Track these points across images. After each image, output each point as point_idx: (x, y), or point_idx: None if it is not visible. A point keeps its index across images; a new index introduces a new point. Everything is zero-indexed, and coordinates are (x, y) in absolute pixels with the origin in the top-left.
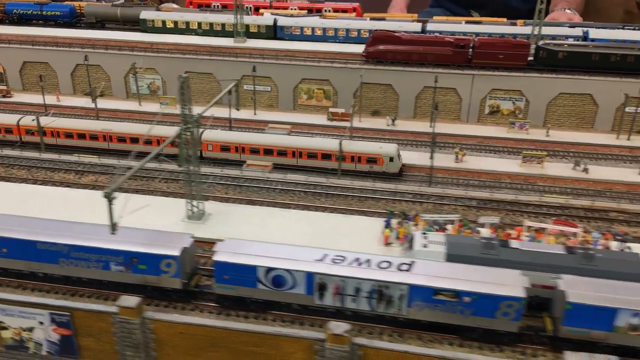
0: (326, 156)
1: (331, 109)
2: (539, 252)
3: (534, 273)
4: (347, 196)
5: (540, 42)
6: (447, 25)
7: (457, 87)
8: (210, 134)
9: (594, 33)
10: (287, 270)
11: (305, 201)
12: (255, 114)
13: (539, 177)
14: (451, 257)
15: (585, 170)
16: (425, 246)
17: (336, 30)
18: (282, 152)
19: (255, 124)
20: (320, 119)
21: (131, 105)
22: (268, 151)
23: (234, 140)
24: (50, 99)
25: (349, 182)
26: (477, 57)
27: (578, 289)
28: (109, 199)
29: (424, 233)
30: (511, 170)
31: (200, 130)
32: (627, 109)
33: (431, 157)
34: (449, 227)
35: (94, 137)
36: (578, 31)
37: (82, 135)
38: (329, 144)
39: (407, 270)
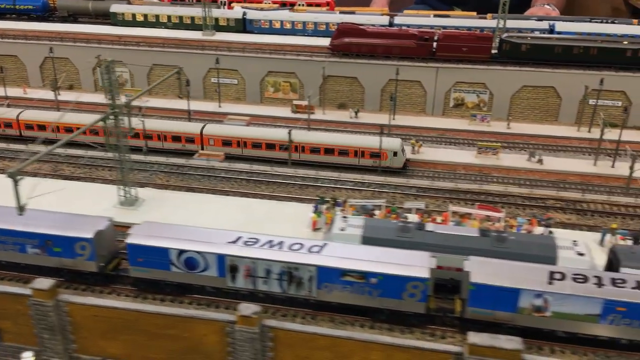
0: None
1: (295, 102)
2: (452, 234)
3: (445, 255)
4: (288, 184)
5: (504, 35)
6: (415, 18)
7: (421, 80)
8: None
9: (560, 26)
10: (199, 253)
11: (247, 189)
12: (220, 106)
13: (494, 168)
14: (367, 240)
15: (540, 161)
16: (342, 229)
17: (304, 23)
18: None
19: (219, 116)
20: (286, 112)
21: (98, 98)
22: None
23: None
24: (18, 92)
25: (292, 170)
26: (441, 50)
27: (482, 270)
28: (14, 179)
29: (345, 217)
30: (467, 161)
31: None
32: (590, 102)
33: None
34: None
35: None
36: (544, 24)
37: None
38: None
39: (317, 252)
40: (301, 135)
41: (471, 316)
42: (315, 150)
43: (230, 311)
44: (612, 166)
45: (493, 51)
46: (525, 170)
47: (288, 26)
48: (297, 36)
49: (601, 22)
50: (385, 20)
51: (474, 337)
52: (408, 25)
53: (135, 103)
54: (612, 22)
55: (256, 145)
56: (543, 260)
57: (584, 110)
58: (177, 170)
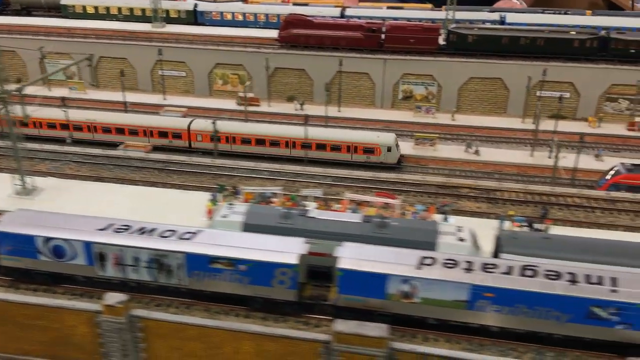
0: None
1: (240, 94)
2: (334, 220)
3: (322, 242)
4: (199, 173)
5: (451, 26)
6: (367, 10)
7: (369, 72)
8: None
9: (511, 17)
10: (65, 240)
11: (158, 179)
12: (164, 98)
13: (431, 159)
14: (248, 227)
15: (477, 152)
16: (224, 216)
17: (256, 15)
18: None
19: (154, 108)
20: (232, 104)
21: (43, 91)
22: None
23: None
24: None
25: (210, 160)
26: (389, 42)
27: (352, 256)
28: None
29: (231, 204)
30: (405, 152)
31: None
32: (538, 93)
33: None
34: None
35: None
36: (495, 15)
37: None
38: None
39: (187, 240)
40: (294, 131)
41: (343, 303)
42: (306, 145)
43: (95, 300)
44: (549, 157)
45: (441, 42)
46: (461, 161)
47: (240, 18)
48: (249, 28)
49: (554, 13)
50: (336, 11)
51: (341, 325)
52: (359, 17)
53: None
54: (565, 13)
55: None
56: (423, 245)
57: (527, 101)
58: (92, 160)
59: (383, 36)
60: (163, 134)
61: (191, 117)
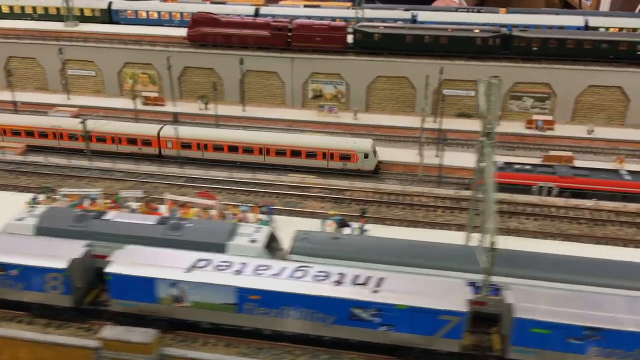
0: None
1: (144, 93)
2: (127, 223)
3: (106, 244)
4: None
5: (357, 25)
6: (282, 8)
7: (278, 71)
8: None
9: (423, 15)
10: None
11: (7, 181)
12: (68, 98)
13: None
14: (41, 230)
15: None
16: (20, 219)
17: (170, 13)
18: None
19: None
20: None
21: None
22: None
23: None
24: None
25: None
26: (296, 40)
27: (124, 259)
28: None
29: (33, 207)
30: None
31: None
32: (445, 92)
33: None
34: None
35: None
36: (407, 14)
37: None
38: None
39: None
40: (268, 137)
41: (118, 309)
42: (281, 152)
43: None
44: (436, 155)
45: (349, 41)
46: None
47: (155, 16)
48: (164, 26)
49: (467, 12)
50: (251, 10)
51: (108, 331)
52: (273, 15)
53: None
54: (479, 11)
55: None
56: (212, 248)
57: (426, 99)
58: None
59: (290, 35)
60: (131, 141)
61: (84, 117)
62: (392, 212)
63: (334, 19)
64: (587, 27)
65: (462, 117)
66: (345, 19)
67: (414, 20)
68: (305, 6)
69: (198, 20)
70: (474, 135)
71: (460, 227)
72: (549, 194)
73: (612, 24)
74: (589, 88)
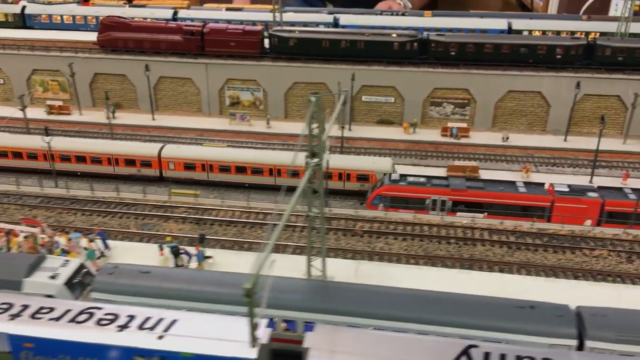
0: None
1: (48, 102)
2: None
3: None
4: None
5: (272, 29)
6: (203, 12)
7: (193, 77)
8: None
9: (345, 19)
10: None
11: None
12: None
13: None
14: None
15: None
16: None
17: (85, 17)
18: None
19: None
20: (40, 113)
21: None
22: None
23: None
24: None
25: None
26: (209, 45)
27: None
28: None
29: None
30: None
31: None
32: (364, 99)
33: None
34: None
35: None
36: (330, 17)
37: None
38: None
39: None
40: (280, 158)
41: None
42: (294, 173)
43: None
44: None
45: (266, 46)
46: None
47: (70, 21)
48: (79, 31)
49: (391, 15)
50: (169, 13)
51: None
52: (192, 19)
53: None
54: (403, 15)
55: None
56: (7, 285)
57: (354, 107)
58: None
59: (204, 39)
60: (130, 162)
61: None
62: (256, 233)
63: (254, 22)
64: (510, 31)
65: (382, 124)
66: (267, 23)
67: (336, 23)
68: (228, 9)
69: (108, 25)
70: (391, 143)
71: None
72: (442, 207)
73: (536, 27)
74: (509, 93)
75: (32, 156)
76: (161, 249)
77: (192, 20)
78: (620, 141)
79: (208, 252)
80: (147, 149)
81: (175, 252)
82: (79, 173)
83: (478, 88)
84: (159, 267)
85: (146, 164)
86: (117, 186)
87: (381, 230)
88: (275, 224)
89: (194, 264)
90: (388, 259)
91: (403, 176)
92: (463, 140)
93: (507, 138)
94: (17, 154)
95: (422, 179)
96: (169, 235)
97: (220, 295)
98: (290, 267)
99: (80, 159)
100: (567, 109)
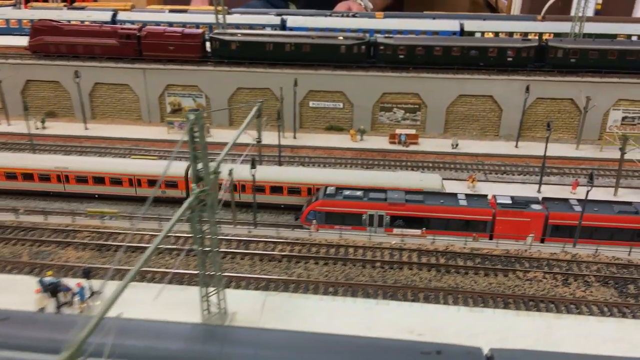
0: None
1: None
2: None
3: None
4: None
5: (213, 32)
6: (143, 14)
7: (130, 84)
8: None
9: (292, 21)
10: None
11: None
12: None
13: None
14: None
15: None
16: None
17: (20, 21)
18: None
19: None
20: None
21: None
22: None
23: None
24: None
25: None
26: (147, 49)
27: None
28: None
29: None
30: None
31: None
32: (311, 104)
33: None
34: None
35: None
36: (276, 20)
37: None
38: None
39: None
40: (316, 176)
41: None
42: (294, 191)
43: None
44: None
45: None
46: None
47: (3, 25)
48: (14, 35)
49: (342, 16)
50: (108, 16)
51: None
52: (133, 22)
53: None
54: (354, 16)
55: None
56: None
57: (302, 113)
58: None
59: (140, 43)
60: (153, 183)
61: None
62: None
63: (198, 25)
64: (462, 33)
65: (332, 130)
66: (212, 25)
67: (283, 26)
68: (171, 11)
69: (39, 29)
70: (337, 152)
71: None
72: (380, 223)
73: (488, 29)
74: (460, 98)
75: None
76: (39, 286)
77: (132, 22)
78: (574, 146)
79: (99, 286)
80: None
81: (53, 290)
82: (96, 195)
83: (428, 92)
84: (23, 311)
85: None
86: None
87: (302, 255)
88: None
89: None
90: (305, 287)
91: (339, 190)
92: (412, 148)
93: (457, 145)
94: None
95: (358, 193)
96: (58, 266)
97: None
98: (184, 300)
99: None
100: (520, 113)
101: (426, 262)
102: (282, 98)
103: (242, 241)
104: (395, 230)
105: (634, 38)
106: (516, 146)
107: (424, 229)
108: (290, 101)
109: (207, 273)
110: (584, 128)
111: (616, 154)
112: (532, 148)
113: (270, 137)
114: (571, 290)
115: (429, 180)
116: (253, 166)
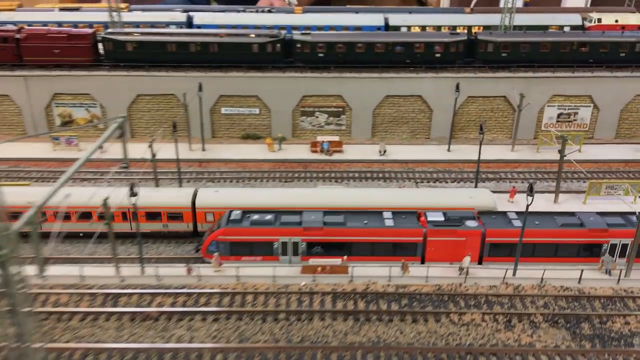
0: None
1: None
2: None
3: None
4: None
5: (105, 32)
6: (30, 14)
7: (10, 94)
8: None
9: (200, 18)
10: None
11: None
12: None
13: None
14: None
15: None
16: None
17: None
18: None
19: None
20: None
21: None
22: None
23: None
24: None
25: None
26: (27, 54)
27: None
28: None
29: None
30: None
31: None
32: (224, 111)
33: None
34: None
35: None
36: (182, 17)
37: None
38: None
39: None
40: (353, 197)
41: None
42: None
43: None
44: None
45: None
46: None
47: None
48: None
49: (256, 12)
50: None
51: None
52: (15, 23)
53: None
54: (269, 12)
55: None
56: None
57: (213, 120)
58: None
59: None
60: (153, 215)
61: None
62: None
63: (92, 25)
64: (387, 28)
65: (249, 139)
66: (106, 25)
67: (190, 23)
68: (62, 10)
69: None
70: (252, 164)
71: None
72: (295, 251)
73: (414, 23)
74: (387, 99)
75: None
76: None
77: (14, 24)
78: (510, 147)
79: None
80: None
81: None
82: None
83: (352, 94)
84: None
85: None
86: None
87: (186, 309)
88: None
89: None
90: (184, 357)
91: (246, 214)
92: (335, 157)
93: (385, 151)
94: None
95: (268, 217)
96: None
97: None
98: None
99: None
100: (451, 114)
101: (342, 308)
102: (187, 105)
103: (110, 295)
104: (312, 262)
105: (567, 29)
106: (448, 150)
107: (344, 257)
108: (198, 108)
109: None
110: (519, 127)
111: (553, 155)
112: (465, 151)
113: (169, 151)
114: (516, 335)
115: (480, 197)
116: (132, 193)
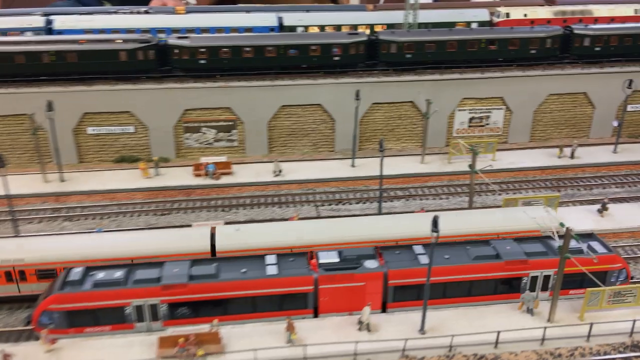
0: None
1: None
2: None
3: None
4: None
5: None
6: None
7: None
8: None
9: (61, 23)
10: None
11: None
12: None
13: None
14: None
15: None
16: None
17: None
18: None
19: None
20: None
21: None
22: None
23: None
24: None
25: None
26: None
27: None
28: None
29: None
30: None
31: None
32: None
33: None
34: None
35: None
36: (40, 21)
37: None
38: None
39: None
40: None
41: None
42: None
43: None
44: None
45: None
46: None
47: None
48: None
49: (130, 13)
50: None
51: None
52: None
53: None
54: (146, 12)
55: None
56: None
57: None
58: None
59: None
60: None
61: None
62: None
63: None
64: (281, 28)
65: (123, 162)
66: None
67: (49, 28)
68: None
69: None
70: (122, 195)
71: None
72: (154, 316)
73: (311, 22)
74: (283, 109)
75: None
76: None
77: None
78: (420, 158)
79: None
80: None
81: None
82: None
83: (243, 105)
84: None
85: None
86: None
87: None
88: None
89: None
90: None
91: (90, 272)
92: (223, 180)
93: (280, 171)
94: None
95: (118, 273)
96: None
97: None
98: None
99: None
100: (354, 123)
101: None
102: (37, 128)
103: None
104: (170, 331)
105: (474, 25)
106: (352, 165)
107: (215, 321)
108: (58, 128)
109: None
110: (429, 134)
111: (466, 165)
112: (371, 166)
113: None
114: None
115: (546, 217)
116: None
